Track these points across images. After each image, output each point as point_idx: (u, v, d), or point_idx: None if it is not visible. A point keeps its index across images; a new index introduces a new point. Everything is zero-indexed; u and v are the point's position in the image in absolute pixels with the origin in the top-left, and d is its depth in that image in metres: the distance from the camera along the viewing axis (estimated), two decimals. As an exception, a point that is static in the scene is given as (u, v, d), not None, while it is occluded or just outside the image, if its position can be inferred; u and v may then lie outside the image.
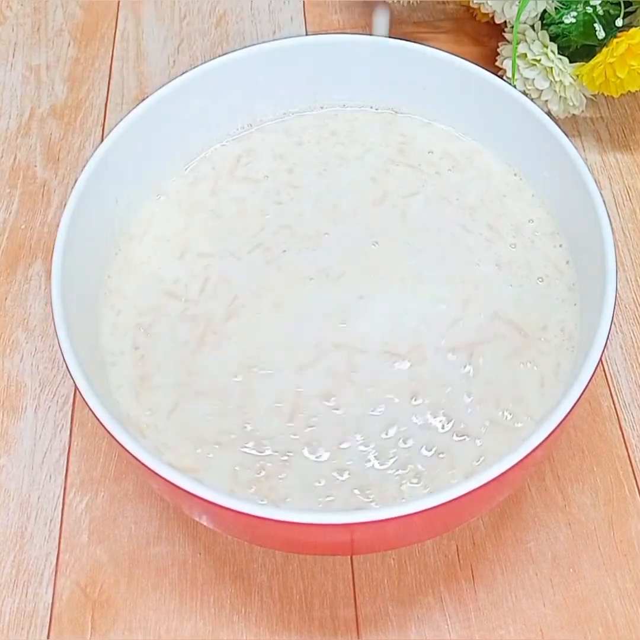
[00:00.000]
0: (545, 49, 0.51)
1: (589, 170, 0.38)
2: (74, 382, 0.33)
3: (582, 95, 0.52)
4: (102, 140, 0.48)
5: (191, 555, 0.41)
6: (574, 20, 0.50)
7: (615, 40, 0.48)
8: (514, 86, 0.50)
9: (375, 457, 0.36)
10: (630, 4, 0.49)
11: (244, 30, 0.61)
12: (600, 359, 0.33)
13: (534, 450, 0.31)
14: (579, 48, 0.51)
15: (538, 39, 0.51)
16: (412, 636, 0.39)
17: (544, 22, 0.51)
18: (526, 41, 0.51)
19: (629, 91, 0.50)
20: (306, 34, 0.60)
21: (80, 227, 0.38)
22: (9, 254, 0.51)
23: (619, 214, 0.51)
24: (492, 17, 0.54)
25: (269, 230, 0.42)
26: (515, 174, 0.44)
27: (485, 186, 0.43)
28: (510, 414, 0.37)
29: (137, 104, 0.41)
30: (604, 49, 0.49)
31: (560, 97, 0.52)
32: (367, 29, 0.60)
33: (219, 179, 0.45)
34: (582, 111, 0.53)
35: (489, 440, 0.36)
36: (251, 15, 0.62)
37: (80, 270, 0.39)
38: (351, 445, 0.36)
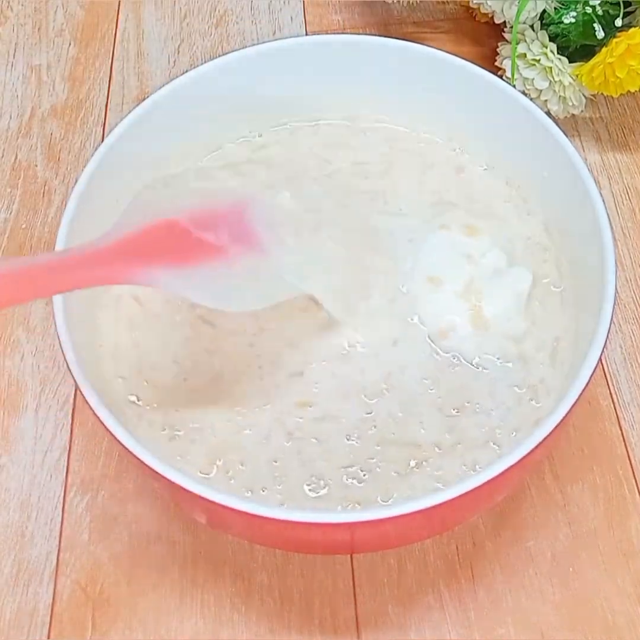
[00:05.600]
0: (544, 48, 0.51)
1: (589, 170, 0.38)
2: (75, 381, 0.33)
3: (582, 95, 0.52)
4: (102, 140, 0.48)
5: (191, 555, 0.41)
6: (573, 20, 0.50)
7: (614, 40, 0.48)
8: (514, 86, 0.50)
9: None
10: (630, 4, 0.49)
11: (244, 30, 0.61)
12: (600, 359, 0.33)
13: (533, 449, 0.31)
14: (578, 48, 0.51)
15: (537, 39, 0.51)
16: (412, 636, 0.39)
17: (544, 22, 0.51)
18: (526, 41, 0.51)
19: (629, 91, 0.50)
20: (306, 34, 0.60)
21: (81, 227, 0.38)
22: (10, 254, 0.51)
23: (618, 214, 0.51)
24: (492, 17, 0.54)
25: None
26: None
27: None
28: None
29: (138, 104, 0.41)
30: (604, 49, 0.49)
31: (559, 97, 0.52)
32: (367, 29, 0.60)
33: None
34: (582, 111, 0.53)
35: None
36: (251, 15, 0.62)
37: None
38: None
